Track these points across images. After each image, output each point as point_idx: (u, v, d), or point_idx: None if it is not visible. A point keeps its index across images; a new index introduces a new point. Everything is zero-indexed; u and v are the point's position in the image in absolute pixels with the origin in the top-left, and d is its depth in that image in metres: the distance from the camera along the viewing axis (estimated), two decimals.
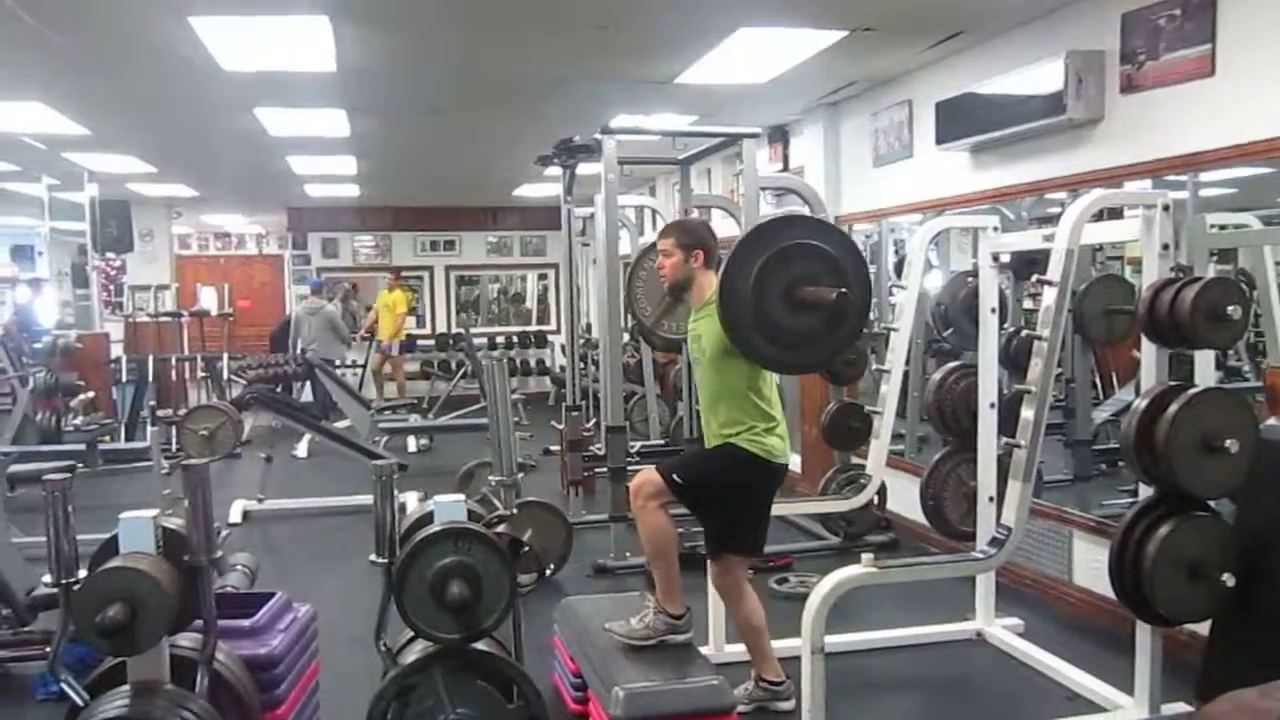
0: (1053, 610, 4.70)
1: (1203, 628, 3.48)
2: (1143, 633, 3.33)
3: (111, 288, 12.46)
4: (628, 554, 5.35)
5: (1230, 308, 2.97)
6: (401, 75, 5.92)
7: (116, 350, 10.36)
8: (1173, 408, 3.01)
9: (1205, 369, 3.46)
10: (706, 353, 3.36)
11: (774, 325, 3.07)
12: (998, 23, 4.98)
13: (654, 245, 3.73)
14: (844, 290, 2.97)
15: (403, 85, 6.19)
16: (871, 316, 7.11)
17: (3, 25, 4.57)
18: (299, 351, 10.52)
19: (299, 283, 13.48)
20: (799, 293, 3.02)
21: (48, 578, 2.53)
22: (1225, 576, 3.03)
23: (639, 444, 6.70)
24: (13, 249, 14.33)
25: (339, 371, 10.38)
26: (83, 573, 2.51)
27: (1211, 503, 3.16)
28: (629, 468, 5.24)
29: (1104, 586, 3.47)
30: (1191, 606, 3.17)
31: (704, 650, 3.71)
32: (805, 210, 5.76)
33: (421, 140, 8.22)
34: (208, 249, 16.89)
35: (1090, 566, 4.54)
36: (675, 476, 3.33)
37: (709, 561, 3.57)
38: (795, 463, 7.31)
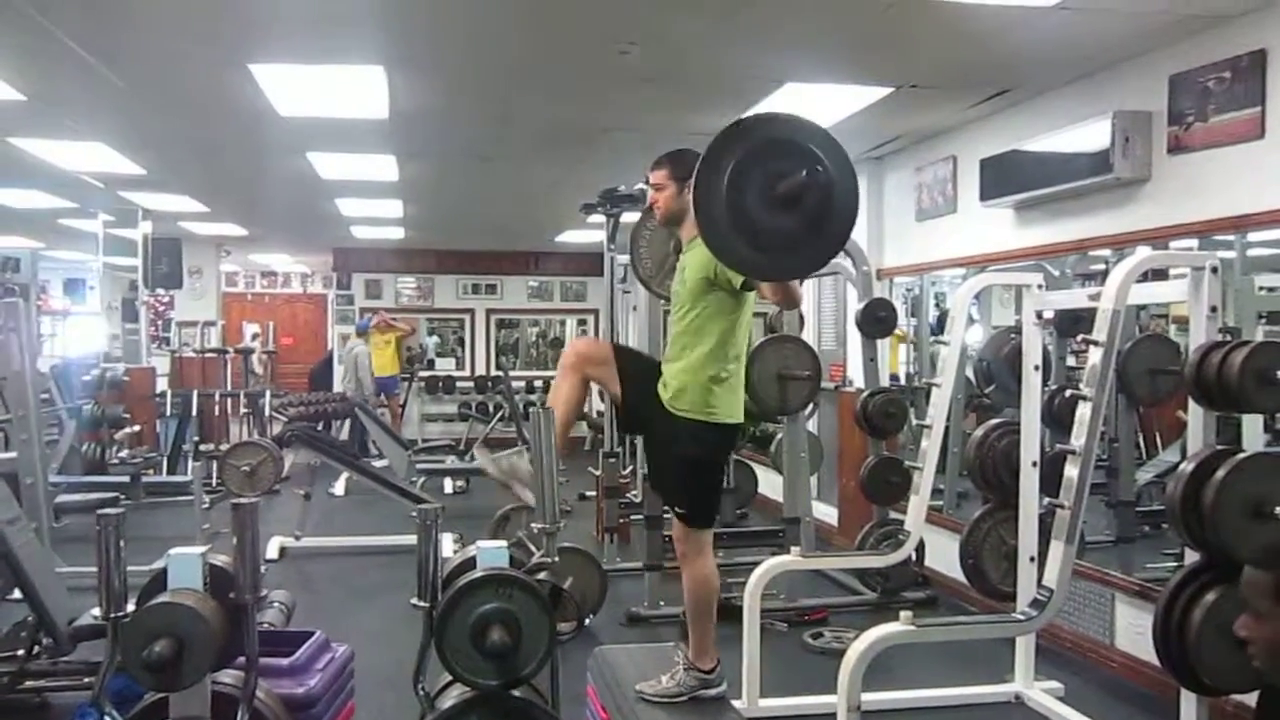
0: (1094, 674, 4.62)
1: (1250, 698, 3.40)
2: (1188, 702, 3.25)
3: (159, 323, 12.69)
4: (662, 603, 5.33)
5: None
6: (451, 123, 6.04)
7: (162, 384, 10.53)
8: (1220, 472, 2.97)
9: (1254, 433, 3.42)
10: (688, 283, 3.20)
11: (753, 226, 2.80)
12: (1044, 81, 5.00)
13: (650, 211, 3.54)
14: (817, 168, 2.73)
15: (452, 132, 6.31)
16: (913, 370, 7.12)
17: (74, 71, 4.74)
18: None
19: (341, 322, 13.68)
20: (777, 188, 2.77)
21: (96, 610, 2.57)
22: None
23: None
24: (65, 282, 14.69)
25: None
26: (129, 605, 2.55)
27: None
28: (665, 516, 5.23)
29: (1147, 651, 3.41)
30: (1238, 676, 3.09)
31: (737, 704, 3.67)
32: (848, 263, 5.79)
33: (468, 186, 8.35)
34: (254, 287, 17.19)
35: (1133, 631, 4.46)
36: (677, 510, 3.23)
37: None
38: (832, 516, 7.27)
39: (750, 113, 3.00)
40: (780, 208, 2.78)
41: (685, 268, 3.25)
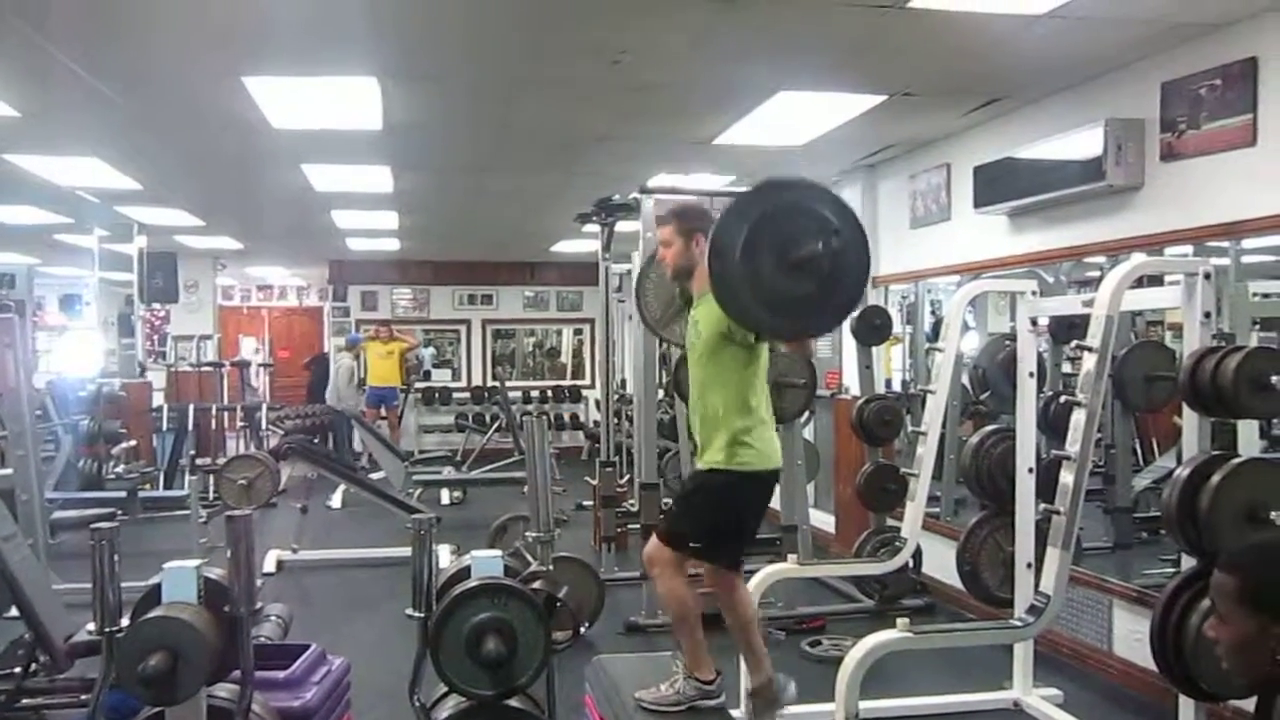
0: (1092, 680, 4.61)
1: (1248, 703, 3.39)
2: (1186, 708, 3.25)
3: (155, 337, 12.67)
4: (660, 612, 5.31)
5: (1274, 377, 2.95)
6: (446, 134, 6.05)
7: (158, 399, 10.51)
8: (1216, 478, 2.97)
9: (1249, 438, 3.43)
10: (703, 336, 3.25)
11: (767, 288, 2.90)
12: (1037, 89, 5.02)
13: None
14: (832, 235, 2.83)
15: (446, 143, 6.32)
16: (908, 377, 7.12)
17: (69, 87, 4.74)
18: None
19: (338, 334, 13.67)
20: (791, 253, 2.87)
21: (91, 625, 2.56)
22: None
23: (672, 501, 6.67)
24: (61, 298, 14.67)
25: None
26: (124, 621, 2.55)
27: None
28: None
29: (1145, 658, 3.41)
30: (1236, 682, 3.10)
31: (735, 713, 3.66)
32: None
33: (463, 196, 8.36)
34: (250, 300, 17.16)
35: (1131, 637, 4.46)
36: (692, 544, 3.27)
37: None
38: (829, 523, 7.26)
39: (764, 176, 3.09)
40: (795, 273, 2.88)
41: (698, 321, 3.30)
